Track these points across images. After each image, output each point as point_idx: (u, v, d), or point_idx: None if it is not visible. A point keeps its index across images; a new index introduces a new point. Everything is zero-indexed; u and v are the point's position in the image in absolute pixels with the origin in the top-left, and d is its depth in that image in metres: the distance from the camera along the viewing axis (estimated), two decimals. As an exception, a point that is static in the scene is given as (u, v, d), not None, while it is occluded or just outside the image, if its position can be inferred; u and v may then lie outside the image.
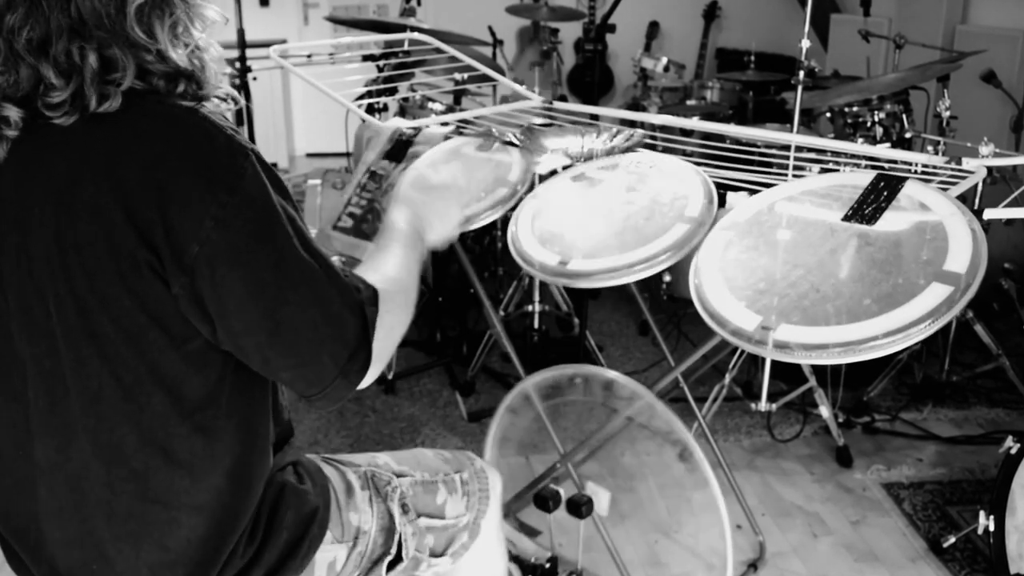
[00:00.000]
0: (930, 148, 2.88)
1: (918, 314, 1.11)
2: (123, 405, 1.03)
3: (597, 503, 1.91)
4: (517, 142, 1.81)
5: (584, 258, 1.49)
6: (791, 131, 2.52)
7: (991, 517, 2.00)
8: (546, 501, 1.84)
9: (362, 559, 1.26)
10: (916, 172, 1.60)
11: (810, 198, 1.40)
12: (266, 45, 2.25)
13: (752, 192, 1.50)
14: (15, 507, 1.13)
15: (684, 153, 2.17)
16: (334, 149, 5.69)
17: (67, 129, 0.98)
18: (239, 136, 1.02)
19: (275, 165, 5.64)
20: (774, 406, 2.66)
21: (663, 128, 2.20)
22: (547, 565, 2.06)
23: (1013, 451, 1.97)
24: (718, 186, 1.57)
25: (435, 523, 1.35)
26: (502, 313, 3.23)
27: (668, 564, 2.23)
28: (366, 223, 1.68)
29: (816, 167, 1.82)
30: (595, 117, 2.17)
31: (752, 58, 4.84)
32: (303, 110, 6.13)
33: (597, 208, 1.61)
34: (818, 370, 2.73)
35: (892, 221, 1.28)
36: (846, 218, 1.31)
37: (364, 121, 2.29)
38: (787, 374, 2.85)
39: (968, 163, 1.53)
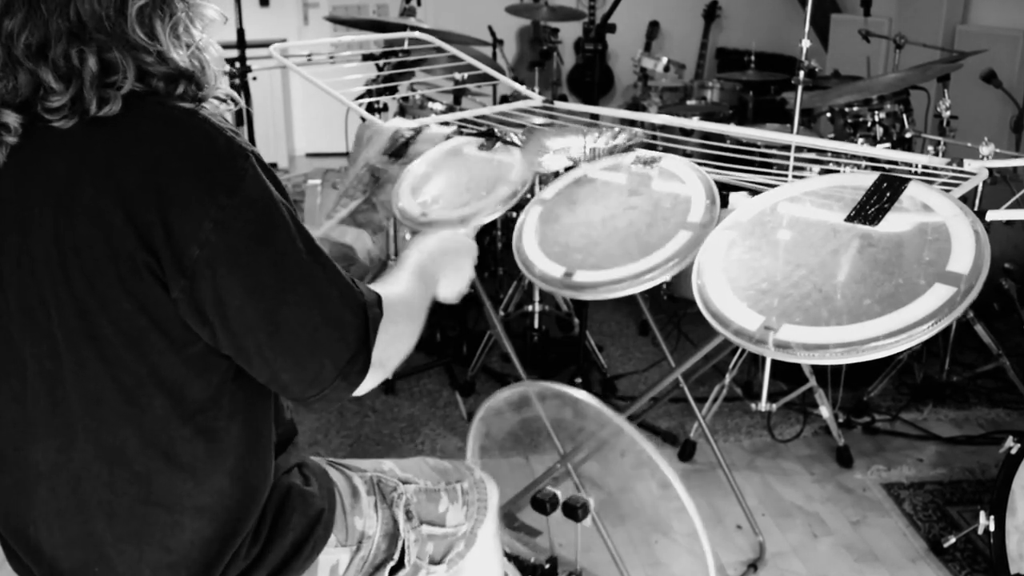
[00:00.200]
0: (930, 148, 2.88)
1: (920, 315, 1.11)
2: (124, 408, 1.02)
3: (576, 516, 1.91)
4: (519, 142, 1.81)
5: (588, 269, 1.49)
6: (791, 131, 2.52)
7: (991, 517, 1.99)
8: (543, 504, 1.84)
9: (364, 564, 1.26)
10: (916, 173, 1.60)
11: (812, 199, 1.40)
12: (266, 45, 2.25)
13: (753, 192, 1.50)
14: (15, 508, 1.13)
15: (684, 153, 2.17)
16: (334, 149, 5.68)
17: (67, 131, 0.98)
18: (239, 138, 1.02)
19: (275, 165, 5.64)
20: (774, 406, 2.66)
21: (663, 128, 2.20)
22: (547, 566, 2.06)
23: (1013, 451, 1.97)
24: (719, 186, 1.56)
25: (436, 531, 1.36)
26: (502, 313, 3.23)
27: (668, 564, 2.23)
28: (360, 213, 1.69)
29: (816, 167, 1.82)
30: (595, 117, 2.16)
31: (752, 58, 4.84)
32: (303, 110, 6.13)
33: (599, 214, 1.61)
34: (818, 370, 2.73)
35: (895, 222, 1.28)
36: (849, 219, 1.31)
37: (365, 120, 2.28)
38: (787, 374, 2.85)
39: (969, 164, 1.53)
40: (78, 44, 0.96)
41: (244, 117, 3.94)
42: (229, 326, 0.99)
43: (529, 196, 1.77)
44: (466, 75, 2.52)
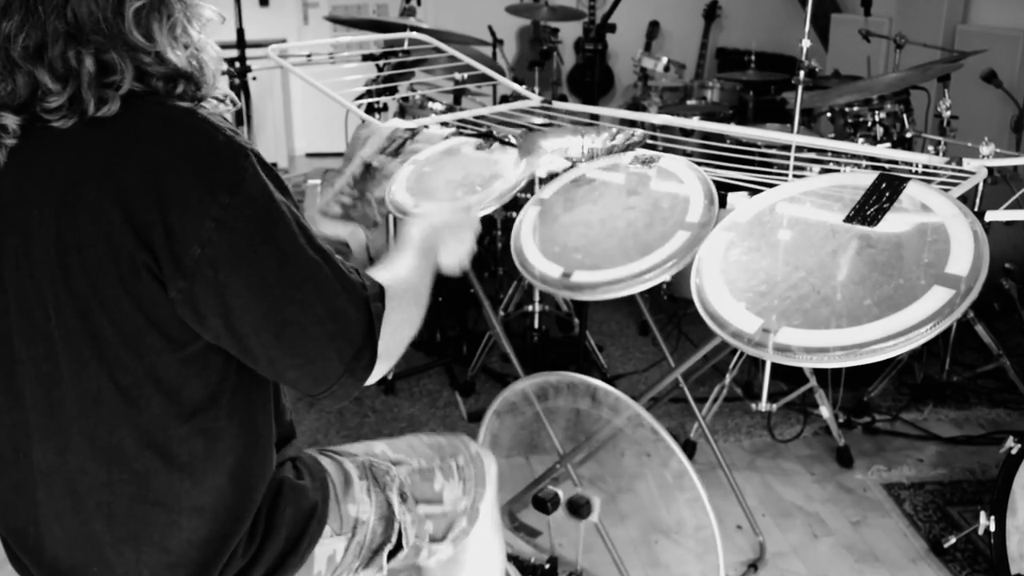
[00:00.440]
0: (931, 148, 2.88)
1: (919, 317, 1.11)
2: (122, 408, 1.02)
3: (581, 513, 1.91)
4: (515, 143, 1.81)
5: (587, 270, 1.49)
6: (791, 131, 2.52)
7: (992, 517, 1.99)
8: (545, 503, 1.84)
9: (361, 549, 1.26)
10: (916, 172, 1.60)
11: (811, 199, 1.39)
12: (266, 45, 2.24)
13: (752, 192, 1.50)
14: (15, 508, 1.13)
15: (684, 153, 2.16)
16: (334, 149, 5.69)
17: (66, 132, 0.98)
18: (239, 136, 1.02)
19: (275, 165, 5.63)
20: (774, 406, 2.66)
21: (663, 128, 2.20)
22: (547, 566, 2.06)
23: (1014, 451, 1.97)
24: (719, 186, 1.56)
25: (434, 510, 1.35)
26: (502, 313, 3.23)
27: (668, 564, 2.23)
28: (354, 209, 1.68)
29: (816, 167, 1.82)
30: (595, 117, 2.16)
31: (752, 58, 4.84)
32: (303, 110, 6.12)
33: (598, 214, 1.61)
34: (819, 371, 2.72)
35: (893, 222, 1.28)
36: (848, 219, 1.31)
37: (364, 121, 2.28)
38: (788, 374, 2.85)
39: (969, 163, 1.52)
40: (75, 45, 0.96)
41: (244, 117, 3.94)
42: (233, 325, 0.99)
43: (527, 197, 1.77)
44: (466, 75, 2.52)
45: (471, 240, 1.39)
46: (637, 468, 2.62)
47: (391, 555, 1.30)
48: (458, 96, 3.70)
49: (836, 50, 5.31)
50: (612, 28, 4.55)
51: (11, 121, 0.98)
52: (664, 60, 4.62)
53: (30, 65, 0.96)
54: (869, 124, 3.08)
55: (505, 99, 3.89)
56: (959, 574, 2.18)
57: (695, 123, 2.02)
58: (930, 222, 1.25)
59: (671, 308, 3.45)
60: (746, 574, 2.20)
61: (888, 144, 3.01)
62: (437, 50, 2.42)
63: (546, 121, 2.21)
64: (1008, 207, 1.33)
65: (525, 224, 1.65)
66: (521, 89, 2.34)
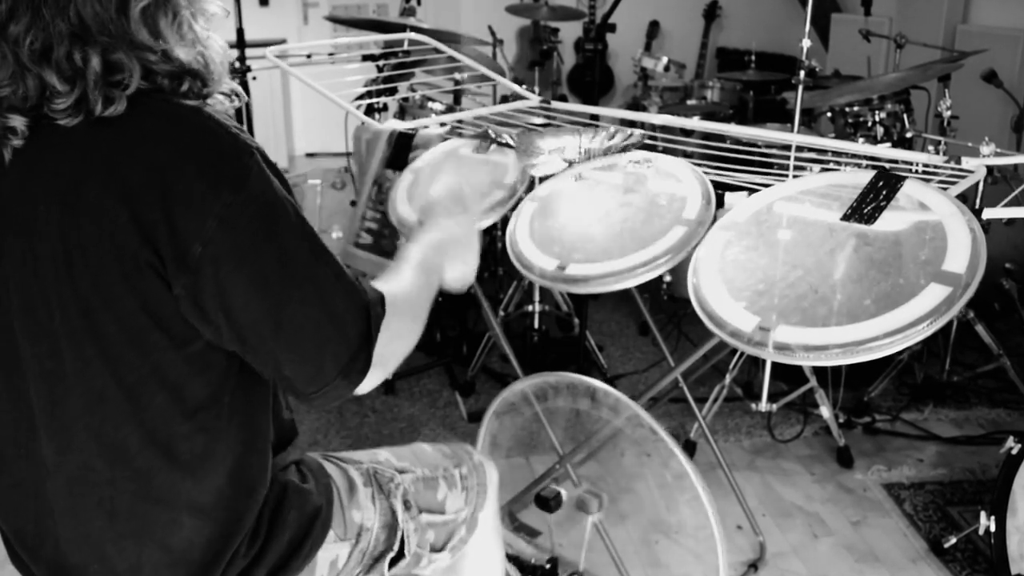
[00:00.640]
0: (931, 148, 2.88)
1: (917, 315, 1.11)
2: (126, 405, 1.03)
3: (589, 508, 1.91)
4: (513, 144, 1.81)
5: (582, 262, 1.48)
6: (792, 131, 2.52)
7: (992, 518, 1.99)
8: (547, 501, 1.85)
9: (364, 556, 1.26)
10: (916, 172, 1.60)
11: (809, 198, 1.39)
12: (265, 45, 2.24)
13: (751, 192, 1.50)
14: (17, 506, 1.13)
15: (684, 153, 2.16)
16: (333, 149, 5.68)
17: (71, 130, 0.98)
18: (243, 135, 1.02)
19: (275, 165, 5.63)
20: (774, 406, 2.66)
21: (663, 128, 2.20)
22: (547, 566, 2.06)
23: (1014, 451, 1.97)
24: (718, 186, 1.56)
25: (436, 519, 1.35)
26: (502, 313, 3.23)
27: (668, 564, 2.23)
28: (384, 239, 1.69)
29: (817, 167, 1.82)
30: (595, 117, 2.16)
31: (752, 58, 4.84)
32: (302, 110, 6.13)
33: (594, 210, 1.61)
34: (819, 370, 2.72)
35: (891, 221, 1.28)
36: (845, 217, 1.31)
37: (363, 123, 2.28)
38: (788, 374, 2.85)
39: (968, 162, 1.52)
40: (81, 45, 0.96)
41: (244, 116, 3.94)
42: (234, 322, 0.99)
43: (524, 196, 1.77)
44: (466, 75, 2.52)
45: (476, 256, 1.36)
46: (637, 468, 2.62)
47: (392, 563, 1.30)
48: (458, 96, 3.70)
49: (836, 50, 5.31)
50: (612, 28, 4.56)
51: (19, 123, 0.99)
52: (664, 60, 4.62)
53: (38, 67, 0.96)
54: (869, 124, 3.08)
55: (506, 99, 3.89)
56: (959, 574, 2.18)
57: (695, 123, 2.03)
58: (928, 220, 1.25)
59: (671, 308, 3.45)
60: (746, 574, 2.19)
61: (888, 144, 3.01)
62: (437, 50, 2.42)
63: (545, 121, 2.21)
64: (1006, 205, 1.33)
65: (521, 220, 1.65)
66: (520, 89, 2.34)
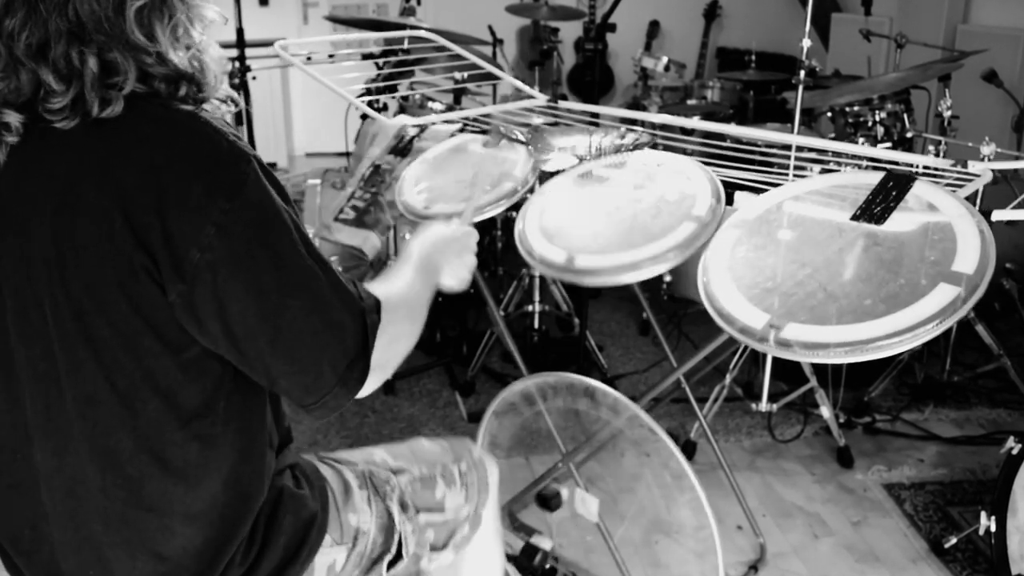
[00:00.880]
0: (931, 148, 2.88)
1: (925, 315, 1.11)
2: (118, 410, 1.02)
3: (586, 509, 1.91)
4: (524, 140, 1.81)
5: (591, 255, 1.48)
6: (792, 131, 2.51)
7: (992, 518, 1.99)
8: (548, 501, 1.85)
9: (362, 559, 1.26)
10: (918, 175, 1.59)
11: (816, 198, 1.39)
12: (265, 44, 2.24)
13: (756, 192, 1.50)
14: (11, 510, 1.12)
15: (685, 153, 2.16)
16: (333, 149, 5.67)
17: (68, 132, 0.97)
18: (240, 141, 1.01)
19: (274, 165, 5.64)
20: (775, 406, 2.66)
21: (664, 127, 2.20)
22: (547, 566, 2.05)
23: (1014, 452, 1.97)
24: (723, 185, 1.56)
25: (435, 518, 1.35)
26: (502, 313, 3.22)
27: (668, 564, 2.22)
28: (368, 215, 1.68)
29: (817, 167, 1.82)
30: (596, 116, 2.16)
31: (753, 57, 4.84)
32: (302, 110, 6.12)
33: (604, 206, 1.61)
34: (819, 370, 2.72)
35: (900, 221, 1.28)
36: (855, 217, 1.31)
37: (370, 117, 2.28)
38: (788, 374, 2.84)
39: (973, 166, 1.52)
40: (78, 44, 0.95)
41: (243, 117, 3.94)
42: (230, 331, 0.99)
43: (533, 190, 1.77)
44: (466, 74, 2.51)
45: (472, 257, 1.37)
46: (637, 468, 2.62)
47: (391, 565, 1.29)
48: (458, 95, 3.70)
49: (836, 50, 5.31)
50: (612, 28, 4.55)
51: (14, 119, 0.98)
52: (664, 60, 4.62)
53: (33, 63, 0.95)
54: (870, 124, 3.08)
55: (505, 99, 3.88)
56: (959, 574, 2.18)
57: (695, 123, 2.02)
58: (937, 221, 1.25)
59: (671, 308, 3.44)
60: (747, 574, 2.19)
61: (889, 144, 3.01)
62: (438, 49, 2.42)
63: (551, 120, 2.21)
64: (1015, 207, 1.33)
65: (530, 213, 1.64)
66: (525, 88, 2.34)
